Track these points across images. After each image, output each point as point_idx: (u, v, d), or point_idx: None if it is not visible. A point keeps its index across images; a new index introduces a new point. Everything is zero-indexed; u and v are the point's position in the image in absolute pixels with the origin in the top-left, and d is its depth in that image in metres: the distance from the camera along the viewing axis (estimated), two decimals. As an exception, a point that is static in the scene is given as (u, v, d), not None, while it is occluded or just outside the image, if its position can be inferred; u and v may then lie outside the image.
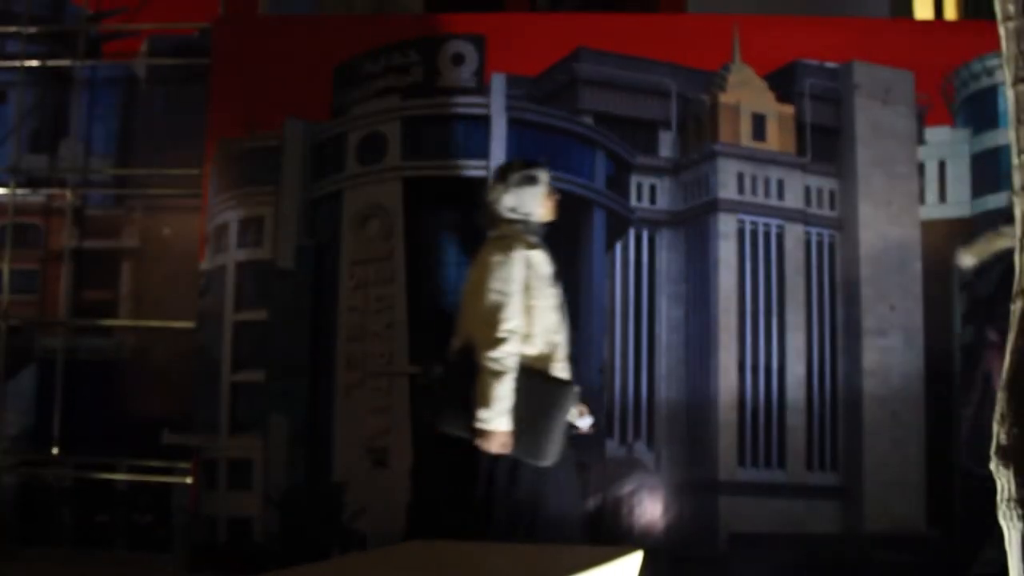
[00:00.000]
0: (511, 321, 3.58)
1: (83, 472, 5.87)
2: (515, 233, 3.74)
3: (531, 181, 3.81)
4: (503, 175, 3.85)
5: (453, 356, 3.77)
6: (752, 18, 5.29)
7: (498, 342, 3.54)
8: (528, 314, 3.65)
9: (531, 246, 3.74)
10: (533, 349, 3.66)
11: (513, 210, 3.79)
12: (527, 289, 3.64)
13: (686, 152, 5.18)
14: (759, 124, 5.15)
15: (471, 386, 3.59)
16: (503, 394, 3.53)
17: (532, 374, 3.61)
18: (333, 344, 5.12)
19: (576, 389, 3.80)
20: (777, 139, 5.14)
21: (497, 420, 3.53)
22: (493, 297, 3.59)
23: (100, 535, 5.87)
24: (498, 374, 3.53)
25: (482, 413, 3.54)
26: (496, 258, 3.65)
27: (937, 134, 5.11)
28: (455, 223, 5.16)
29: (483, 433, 3.57)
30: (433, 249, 5.14)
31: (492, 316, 3.57)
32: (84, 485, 5.87)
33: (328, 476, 5.04)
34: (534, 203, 3.80)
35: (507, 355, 3.55)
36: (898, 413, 4.93)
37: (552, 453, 3.64)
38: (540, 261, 3.74)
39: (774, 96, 5.15)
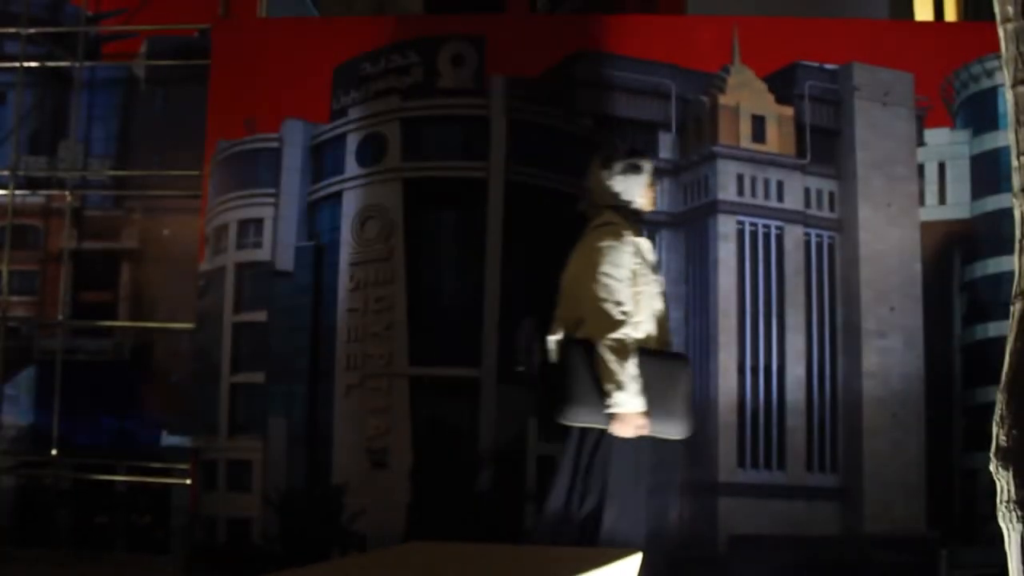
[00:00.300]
0: (625, 304, 3.58)
1: (82, 473, 5.87)
2: (621, 220, 3.75)
3: (636, 170, 3.80)
4: (607, 163, 3.85)
5: (561, 346, 3.73)
6: (752, 20, 5.29)
7: (617, 324, 3.51)
8: (635, 300, 3.65)
9: (637, 233, 3.77)
10: (640, 334, 3.63)
11: (617, 197, 3.80)
12: (634, 275, 3.64)
13: (686, 153, 5.18)
14: (759, 126, 5.15)
15: (588, 374, 3.56)
16: (632, 375, 3.50)
17: (649, 354, 3.61)
18: (333, 345, 5.12)
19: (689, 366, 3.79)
20: (777, 141, 5.14)
21: (632, 401, 3.49)
22: (606, 281, 3.57)
23: (99, 536, 5.87)
24: (623, 356, 3.49)
25: (615, 397, 3.48)
26: (606, 243, 3.63)
27: (937, 136, 5.11)
28: (455, 224, 5.16)
29: (618, 417, 3.51)
30: (433, 250, 5.14)
31: (607, 300, 3.55)
32: (83, 486, 5.87)
33: (327, 477, 5.03)
34: (638, 191, 3.81)
35: (628, 336, 3.53)
36: (898, 414, 4.93)
37: (687, 425, 3.65)
38: (647, 248, 3.75)
39: (774, 98, 5.15)
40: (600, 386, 3.51)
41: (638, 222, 3.80)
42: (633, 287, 3.62)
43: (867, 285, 5.02)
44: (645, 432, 3.52)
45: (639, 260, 3.66)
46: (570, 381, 3.59)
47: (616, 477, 3.56)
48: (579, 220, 3.85)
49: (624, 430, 3.51)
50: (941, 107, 5.12)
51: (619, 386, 3.47)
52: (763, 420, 4.97)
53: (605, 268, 3.58)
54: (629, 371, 3.48)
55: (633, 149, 3.99)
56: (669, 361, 3.69)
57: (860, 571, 4.85)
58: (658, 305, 3.73)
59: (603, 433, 3.56)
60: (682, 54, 5.19)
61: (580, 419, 3.59)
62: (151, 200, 6.07)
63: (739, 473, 4.95)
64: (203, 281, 5.33)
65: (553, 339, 3.74)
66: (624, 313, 3.54)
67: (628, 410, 3.49)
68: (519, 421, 4.97)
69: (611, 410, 3.50)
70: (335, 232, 5.21)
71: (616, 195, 3.77)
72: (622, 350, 3.49)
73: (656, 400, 3.52)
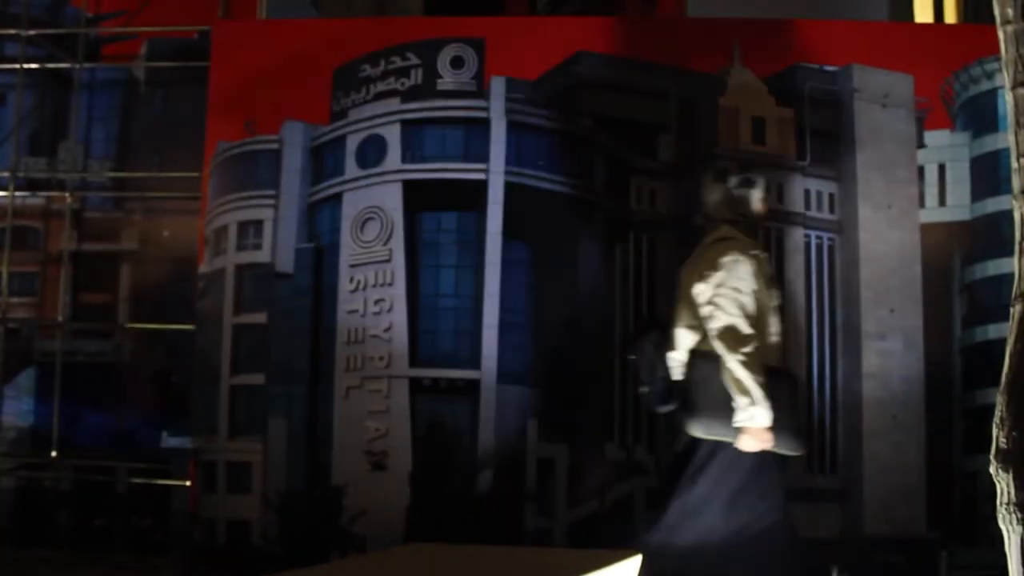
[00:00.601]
0: (754, 319, 3.59)
1: (82, 475, 5.87)
2: (739, 234, 3.78)
3: (751, 183, 3.84)
4: (721, 177, 3.88)
5: (688, 362, 3.75)
6: (751, 21, 5.29)
7: (747, 339, 3.53)
8: (758, 314, 3.66)
9: (757, 247, 3.80)
10: (764, 349, 3.65)
11: (734, 210, 3.83)
12: (757, 289, 3.66)
13: (685, 155, 5.18)
14: (758, 127, 5.15)
15: (714, 388, 3.56)
16: (764, 389, 3.50)
17: (770, 370, 3.61)
18: (332, 347, 5.12)
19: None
20: (776, 142, 5.14)
21: (761, 416, 3.49)
22: (734, 296, 3.58)
23: (99, 538, 5.87)
24: (754, 370, 3.50)
25: (748, 410, 3.49)
26: (731, 258, 3.65)
27: (937, 137, 5.11)
28: (454, 226, 5.16)
29: (746, 431, 3.52)
30: (432, 252, 5.14)
31: (736, 315, 3.56)
32: (83, 488, 5.87)
33: (327, 479, 5.03)
34: (754, 204, 3.85)
35: (756, 351, 3.54)
36: (898, 416, 4.93)
37: (803, 441, 3.68)
38: (765, 262, 3.79)
39: (774, 99, 5.15)
40: (727, 400, 3.52)
41: (754, 235, 3.84)
42: (757, 301, 3.63)
43: (867, 287, 5.02)
44: (768, 446, 3.53)
45: (761, 274, 3.68)
46: (697, 395, 3.61)
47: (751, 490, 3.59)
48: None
49: (751, 444, 3.52)
50: (941, 109, 5.12)
51: (751, 400, 3.48)
52: (763, 422, 4.97)
53: (734, 283, 3.60)
54: (760, 384, 3.49)
55: (746, 162, 4.03)
56: (785, 377, 3.71)
57: (861, 572, 4.85)
58: (775, 318, 3.73)
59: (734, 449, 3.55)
60: (682, 56, 5.19)
61: (708, 432, 3.60)
62: (151, 201, 6.07)
63: (739, 475, 4.94)
64: (203, 283, 5.33)
65: (675, 356, 3.76)
66: (753, 327, 3.56)
67: (757, 424, 3.49)
68: (518, 423, 4.97)
69: (740, 424, 3.50)
70: (335, 234, 5.21)
71: (733, 209, 3.80)
72: (752, 364, 3.50)
73: (777, 415, 3.52)
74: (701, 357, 3.65)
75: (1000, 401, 2.76)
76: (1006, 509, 2.67)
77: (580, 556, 3.42)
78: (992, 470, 2.72)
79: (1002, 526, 2.70)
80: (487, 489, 4.93)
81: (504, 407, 4.98)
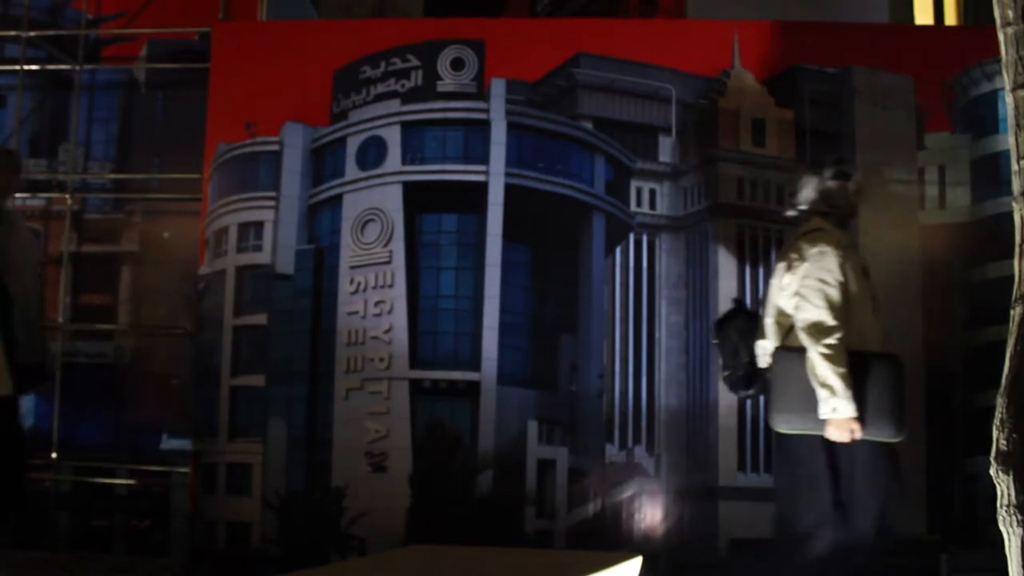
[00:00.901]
0: (839, 310, 3.61)
1: (81, 476, 5.86)
2: (830, 226, 3.81)
3: (844, 176, 3.86)
4: (816, 170, 3.90)
5: (775, 354, 3.77)
6: (752, 23, 5.29)
7: (831, 330, 3.55)
8: (848, 304, 3.67)
9: (847, 238, 3.84)
10: (850, 336, 3.66)
11: (827, 203, 3.85)
12: (846, 280, 3.67)
13: (686, 157, 5.18)
14: (759, 129, 5.15)
15: (799, 381, 3.58)
16: (845, 380, 3.52)
17: (861, 356, 3.62)
18: (332, 348, 5.12)
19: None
20: (777, 144, 5.14)
21: (847, 406, 3.51)
22: (820, 287, 3.62)
23: (98, 539, 5.86)
24: (837, 362, 3.52)
25: (830, 402, 3.51)
26: (818, 249, 3.69)
27: (937, 139, 5.12)
28: (455, 228, 5.16)
29: (831, 422, 3.54)
30: (433, 253, 5.14)
31: (821, 306, 3.59)
32: (83, 489, 5.87)
33: (327, 480, 5.03)
34: (846, 197, 3.86)
35: (842, 342, 3.56)
36: (898, 418, 4.91)
37: (902, 426, 3.65)
38: (854, 253, 3.82)
39: (774, 101, 5.15)
40: (808, 393, 3.54)
41: (844, 227, 3.87)
42: (846, 291, 3.63)
43: (867, 289, 5.02)
44: (858, 436, 3.54)
45: (851, 264, 3.69)
46: (782, 389, 3.64)
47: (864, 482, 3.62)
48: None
49: (839, 435, 3.54)
50: (941, 111, 5.12)
51: (832, 391, 3.50)
52: (763, 424, 4.96)
53: (819, 274, 3.63)
54: (842, 376, 3.50)
55: (838, 157, 4.06)
56: (882, 362, 3.68)
57: (860, 574, 4.84)
58: (869, 307, 3.74)
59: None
60: (682, 58, 5.19)
61: (790, 427, 3.63)
62: (151, 203, 6.07)
63: (739, 477, 4.94)
64: (203, 284, 5.33)
65: (763, 344, 3.80)
66: (837, 319, 3.57)
67: (841, 415, 3.51)
68: (519, 425, 4.97)
69: (824, 415, 3.53)
70: (335, 235, 5.21)
71: (826, 201, 3.83)
72: (835, 356, 3.52)
73: (871, 403, 3.52)
74: (784, 350, 3.69)
75: (1000, 403, 2.76)
76: (1006, 511, 2.67)
77: (581, 557, 3.42)
78: (992, 472, 2.72)
79: (1002, 528, 2.70)
80: (487, 491, 4.93)
81: (504, 409, 4.98)
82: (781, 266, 3.80)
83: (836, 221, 3.84)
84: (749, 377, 3.85)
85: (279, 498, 5.06)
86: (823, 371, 3.52)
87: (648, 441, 5.00)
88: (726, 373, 3.94)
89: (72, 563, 5.47)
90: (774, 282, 3.83)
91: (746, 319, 3.95)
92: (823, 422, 3.54)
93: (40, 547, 5.73)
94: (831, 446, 3.59)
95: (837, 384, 3.49)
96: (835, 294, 3.61)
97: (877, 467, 3.61)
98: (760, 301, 4.00)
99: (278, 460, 5.08)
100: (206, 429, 5.19)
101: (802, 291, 3.64)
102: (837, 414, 3.51)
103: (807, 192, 3.88)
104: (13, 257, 4.32)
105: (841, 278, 3.64)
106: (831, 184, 3.85)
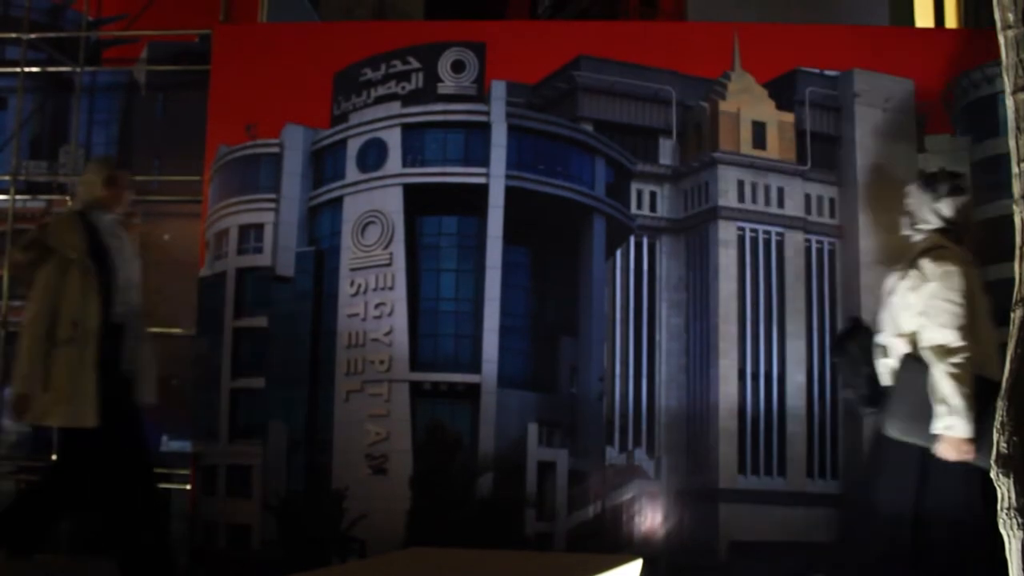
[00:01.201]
0: (966, 330, 3.58)
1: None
2: (951, 244, 3.77)
3: (961, 192, 3.84)
4: (930, 185, 3.88)
5: (903, 361, 3.73)
6: (752, 26, 5.30)
7: (958, 350, 3.53)
8: (973, 321, 3.66)
9: (967, 256, 3.79)
10: (976, 353, 3.65)
11: (945, 220, 3.82)
12: (971, 299, 3.65)
13: (686, 160, 5.18)
14: (759, 132, 5.15)
15: (920, 392, 3.57)
16: (966, 401, 3.50)
17: (987, 383, 3.52)
18: (333, 351, 5.12)
19: None
20: (777, 147, 5.14)
21: (963, 426, 3.49)
22: (948, 307, 3.59)
23: (97, 542, 5.84)
24: (962, 381, 3.50)
25: (947, 420, 3.49)
26: (947, 268, 3.65)
27: (937, 142, 5.12)
28: (455, 230, 5.16)
29: (945, 439, 3.52)
30: (433, 255, 5.14)
31: (948, 326, 3.56)
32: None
33: (327, 483, 5.03)
34: (963, 213, 3.86)
35: (969, 362, 3.53)
36: (898, 421, 4.91)
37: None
38: (975, 271, 3.77)
39: (774, 104, 5.15)
40: (929, 405, 3.53)
41: (962, 243, 3.82)
42: (972, 310, 3.61)
43: (868, 291, 5.01)
44: (969, 458, 3.52)
45: (974, 282, 3.67)
46: (902, 396, 3.63)
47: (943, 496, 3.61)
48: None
49: (950, 453, 3.52)
50: (942, 113, 5.12)
51: (953, 410, 3.48)
52: (763, 426, 4.97)
53: (947, 294, 3.60)
54: (965, 397, 3.48)
55: (953, 172, 4.05)
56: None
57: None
58: (989, 325, 3.71)
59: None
60: (683, 60, 5.20)
61: (903, 434, 3.62)
62: (151, 205, 6.06)
63: (739, 479, 4.94)
64: (203, 286, 5.33)
65: (885, 363, 3.77)
66: (964, 339, 3.55)
67: (955, 434, 3.50)
68: (519, 427, 4.97)
69: (937, 431, 3.51)
70: (335, 237, 5.21)
71: (943, 218, 3.81)
72: (961, 376, 3.50)
73: (986, 429, 3.51)
74: (913, 359, 3.65)
75: (1000, 406, 2.75)
76: (1007, 514, 2.66)
77: (581, 560, 3.42)
78: (992, 475, 2.72)
79: (1002, 531, 2.70)
80: (487, 493, 4.93)
81: (504, 411, 4.98)
82: (904, 285, 3.74)
83: (954, 237, 3.80)
84: (875, 395, 3.81)
85: (279, 500, 5.06)
86: (947, 389, 3.50)
87: (648, 443, 5.00)
88: (849, 392, 3.90)
89: (72, 566, 5.47)
90: (894, 300, 3.78)
91: (865, 336, 3.90)
92: (934, 436, 3.52)
93: (40, 549, 5.71)
94: (926, 461, 3.58)
95: (958, 403, 3.47)
96: (962, 314, 3.57)
97: (961, 492, 3.58)
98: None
99: (278, 462, 5.08)
100: (206, 431, 5.19)
101: (928, 311, 3.61)
102: (952, 432, 3.49)
103: (924, 212, 3.84)
104: (129, 275, 4.47)
105: (968, 297, 3.61)
106: (949, 199, 3.82)
